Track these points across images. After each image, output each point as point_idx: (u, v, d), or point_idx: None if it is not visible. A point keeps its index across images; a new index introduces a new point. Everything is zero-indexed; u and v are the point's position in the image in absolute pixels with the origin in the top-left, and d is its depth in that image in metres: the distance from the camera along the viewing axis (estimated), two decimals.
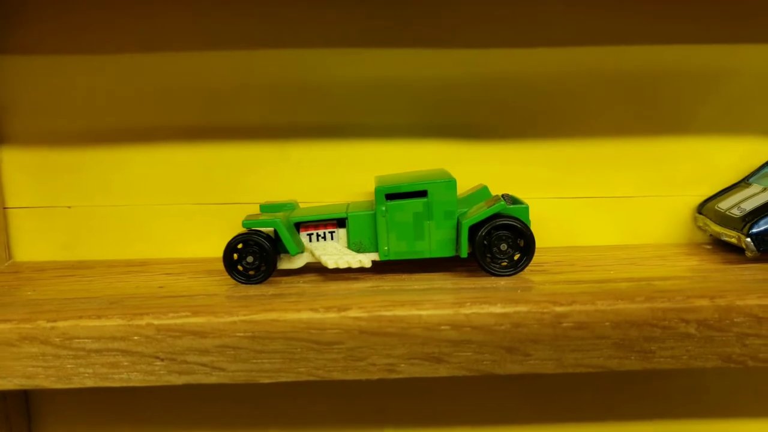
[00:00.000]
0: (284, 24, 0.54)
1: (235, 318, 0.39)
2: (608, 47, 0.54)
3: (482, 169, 0.55)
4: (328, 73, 0.54)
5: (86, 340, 0.39)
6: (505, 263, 0.47)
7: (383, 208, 0.47)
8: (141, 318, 0.39)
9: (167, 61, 0.54)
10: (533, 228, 0.47)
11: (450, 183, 0.47)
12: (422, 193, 0.47)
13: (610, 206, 0.56)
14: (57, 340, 0.39)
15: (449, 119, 0.55)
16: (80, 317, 0.40)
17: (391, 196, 0.47)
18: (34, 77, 0.54)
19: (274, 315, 0.39)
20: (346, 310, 0.39)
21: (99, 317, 0.39)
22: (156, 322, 0.39)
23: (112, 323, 0.39)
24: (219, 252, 0.48)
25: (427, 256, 0.47)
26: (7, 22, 0.53)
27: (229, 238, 0.47)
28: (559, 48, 0.54)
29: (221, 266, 0.48)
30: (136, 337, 0.39)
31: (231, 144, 0.55)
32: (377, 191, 0.47)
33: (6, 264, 0.55)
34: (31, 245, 0.56)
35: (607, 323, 0.39)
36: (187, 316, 0.39)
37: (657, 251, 0.54)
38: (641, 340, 0.39)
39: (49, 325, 0.39)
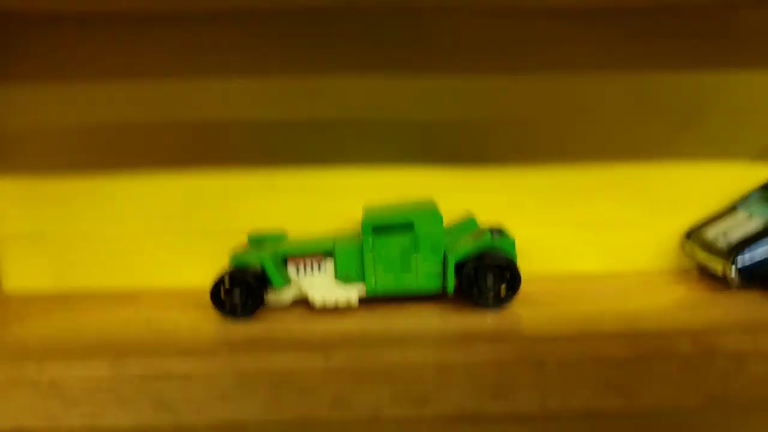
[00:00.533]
0: (271, 53, 0.54)
1: (220, 360, 0.39)
2: (594, 74, 0.54)
3: (470, 197, 0.55)
4: (315, 103, 0.54)
5: (74, 382, 0.40)
6: (491, 296, 0.47)
7: (370, 242, 0.47)
8: (127, 360, 0.40)
9: (155, 91, 0.54)
10: (520, 256, 0.48)
11: (436, 216, 0.47)
12: (409, 227, 0.47)
13: (597, 234, 0.56)
14: (45, 383, 0.40)
15: (437, 147, 0.55)
16: (69, 359, 0.40)
17: (377, 230, 0.47)
18: (23, 105, 0.54)
19: (259, 358, 0.39)
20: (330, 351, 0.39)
21: (85, 359, 0.40)
22: (142, 364, 0.39)
23: (98, 365, 0.39)
24: (208, 280, 0.48)
25: (414, 288, 0.48)
26: None
27: (218, 266, 0.47)
28: (544, 74, 0.54)
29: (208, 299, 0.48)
30: (123, 382, 0.40)
31: (219, 172, 0.55)
32: (364, 225, 0.47)
33: None
34: (21, 273, 0.56)
35: (590, 363, 0.39)
36: (173, 357, 0.39)
37: (645, 278, 0.54)
38: (623, 380, 0.39)
39: (37, 367, 0.40)
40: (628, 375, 0.39)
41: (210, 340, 0.43)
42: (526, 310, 0.47)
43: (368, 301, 0.49)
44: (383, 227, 0.47)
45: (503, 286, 0.47)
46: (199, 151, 0.55)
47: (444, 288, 0.47)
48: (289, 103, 0.54)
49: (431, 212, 0.47)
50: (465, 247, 0.46)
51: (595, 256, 0.57)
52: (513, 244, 0.48)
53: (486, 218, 0.55)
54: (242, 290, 0.47)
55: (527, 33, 0.54)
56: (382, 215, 0.48)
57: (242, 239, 0.53)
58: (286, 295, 0.49)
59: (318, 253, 0.49)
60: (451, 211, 0.52)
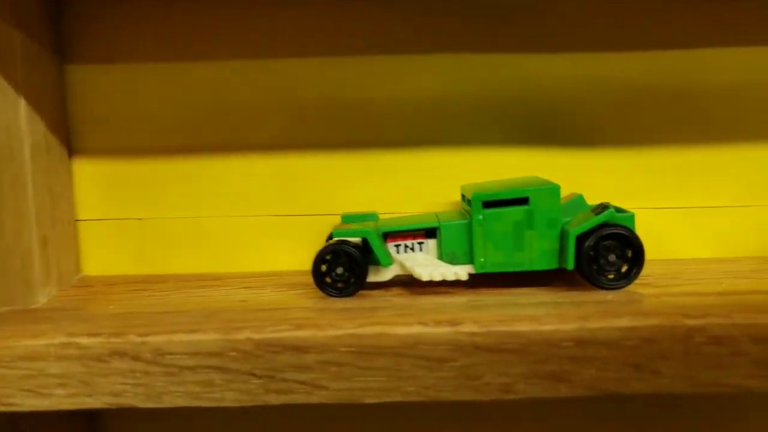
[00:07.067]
0: (372, 32, 0.52)
1: (339, 332, 0.36)
2: (705, 51, 0.52)
3: (569, 176, 0.52)
4: (411, 83, 0.52)
5: (179, 357, 0.37)
6: (611, 275, 0.44)
7: (480, 217, 0.44)
8: (239, 332, 0.37)
9: (244, 71, 0.52)
10: None
11: (554, 189, 0.44)
12: (523, 201, 0.44)
13: (708, 217, 0.53)
14: (148, 355, 0.37)
15: (536, 127, 0.52)
16: (174, 332, 0.37)
17: (488, 204, 0.45)
18: (106, 87, 0.53)
19: (380, 329, 0.37)
20: (458, 325, 0.36)
21: (194, 332, 0.37)
22: (255, 336, 0.37)
23: (208, 338, 0.37)
24: (297, 265, 0.45)
25: (527, 268, 0.45)
26: (78, 30, 0.52)
27: (308, 251, 0.45)
28: (656, 52, 0.51)
29: (303, 279, 0.46)
30: (232, 353, 0.37)
31: (310, 155, 0.53)
32: (474, 198, 0.44)
33: (77, 278, 0.53)
34: (102, 258, 0.54)
35: (745, 338, 0.36)
36: (288, 330, 0.37)
37: (757, 265, 0.51)
38: None
39: (140, 339, 0.37)
40: None
41: (321, 313, 0.40)
42: (648, 290, 0.43)
43: (472, 280, 0.46)
44: (495, 201, 0.45)
45: (625, 265, 0.44)
46: (292, 133, 0.53)
47: (560, 265, 0.44)
48: (384, 86, 0.52)
49: (547, 185, 0.44)
50: (587, 221, 0.43)
51: (703, 241, 0.53)
52: (633, 218, 0.45)
53: (591, 201, 0.51)
54: (345, 265, 0.44)
55: (638, 6, 0.51)
56: (492, 189, 0.45)
57: (334, 222, 0.50)
58: (386, 273, 0.46)
59: (420, 230, 0.46)
60: None
